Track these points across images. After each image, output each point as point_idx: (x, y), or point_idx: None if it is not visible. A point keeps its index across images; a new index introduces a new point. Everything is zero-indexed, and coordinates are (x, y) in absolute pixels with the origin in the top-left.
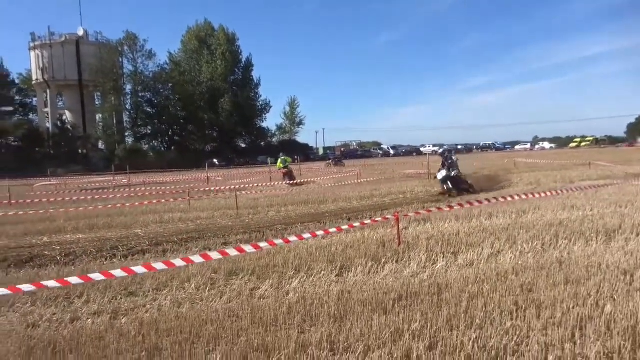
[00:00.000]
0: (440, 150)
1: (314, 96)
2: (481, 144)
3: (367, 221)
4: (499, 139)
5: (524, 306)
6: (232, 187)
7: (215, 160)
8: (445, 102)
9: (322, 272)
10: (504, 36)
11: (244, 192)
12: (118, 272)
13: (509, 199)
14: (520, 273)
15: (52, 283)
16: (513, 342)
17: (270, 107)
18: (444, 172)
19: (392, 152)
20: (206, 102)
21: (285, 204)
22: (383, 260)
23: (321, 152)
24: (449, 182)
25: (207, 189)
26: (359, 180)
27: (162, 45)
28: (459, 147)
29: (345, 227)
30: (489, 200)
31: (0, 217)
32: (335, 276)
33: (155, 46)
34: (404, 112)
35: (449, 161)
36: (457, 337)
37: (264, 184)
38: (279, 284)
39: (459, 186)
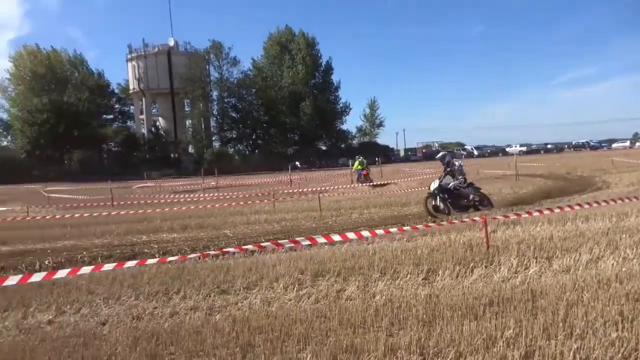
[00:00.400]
0: (440, 155)
1: (394, 96)
2: (574, 143)
3: (455, 221)
4: (593, 137)
5: (630, 317)
6: (315, 189)
7: (297, 163)
8: (534, 98)
9: (408, 275)
10: (602, 26)
11: (326, 194)
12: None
13: (603, 203)
14: (624, 281)
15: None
16: (620, 355)
17: (350, 109)
18: (436, 183)
19: (475, 152)
20: (288, 106)
21: (368, 206)
22: (471, 264)
23: (402, 153)
24: (437, 198)
25: (290, 191)
26: None
27: (245, 51)
28: (549, 146)
29: (432, 224)
30: (580, 205)
31: (104, 216)
32: (422, 279)
33: (239, 53)
34: (489, 110)
35: (449, 168)
36: (555, 346)
37: (346, 186)
38: (364, 286)
39: (458, 202)
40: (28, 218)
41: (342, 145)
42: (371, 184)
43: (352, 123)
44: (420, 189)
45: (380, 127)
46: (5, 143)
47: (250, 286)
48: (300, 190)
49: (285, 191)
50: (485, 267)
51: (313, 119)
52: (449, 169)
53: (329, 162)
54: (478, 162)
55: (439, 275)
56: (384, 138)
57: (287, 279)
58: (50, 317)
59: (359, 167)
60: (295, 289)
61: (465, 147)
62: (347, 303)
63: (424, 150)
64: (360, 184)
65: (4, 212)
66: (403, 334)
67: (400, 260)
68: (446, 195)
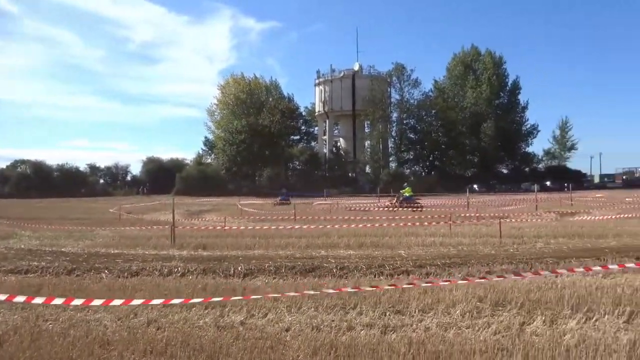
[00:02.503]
0: None
1: (589, 116)
2: None
3: None
4: None
5: None
6: (494, 214)
7: (475, 186)
8: None
9: (606, 316)
10: None
11: (507, 220)
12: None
13: None
14: None
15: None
16: None
17: (538, 131)
18: None
19: None
20: (468, 127)
21: (555, 235)
22: None
23: (597, 179)
24: None
25: (467, 214)
26: None
27: (427, 73)
28: None
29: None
30: None
31: (288, 230)
32: (623, 322)
33: (421, 74)
34: None
35: None
36: None
37: (529, 213)
38: (552, 322)
39: None
40: (226, 227)
41: (526, 169)
42: (420, 209)
43: (539, 146)
44: (618, 217)
45: (572, 151)
46: (209, 160)
47: (426, 309)
48: (478, 214)
49: (462, 214)
50: None
51: (495, 140)
52: None
53: (510, 186)
54: None
55: None
56: (576, 163)
57: (465, 306)
58: (242, 319)
59: (411, 193)
60: (473, 317)
61: None
62: (532, 338)
63: (624, 177)
64: (410, 209)
65: (206, 222)
66: None
67: (594, 299)
68: None
